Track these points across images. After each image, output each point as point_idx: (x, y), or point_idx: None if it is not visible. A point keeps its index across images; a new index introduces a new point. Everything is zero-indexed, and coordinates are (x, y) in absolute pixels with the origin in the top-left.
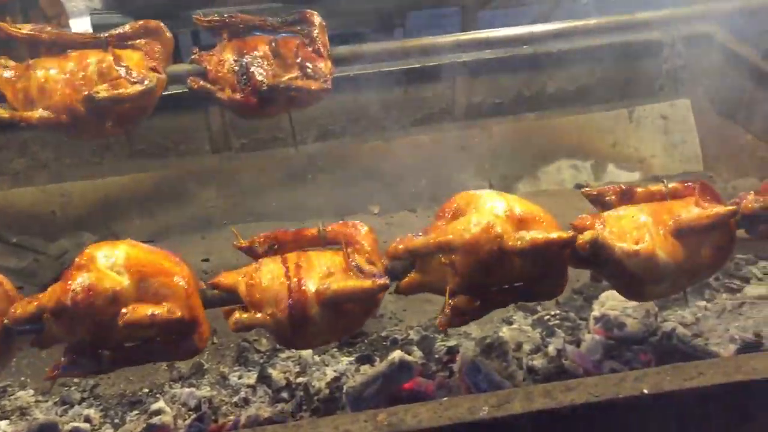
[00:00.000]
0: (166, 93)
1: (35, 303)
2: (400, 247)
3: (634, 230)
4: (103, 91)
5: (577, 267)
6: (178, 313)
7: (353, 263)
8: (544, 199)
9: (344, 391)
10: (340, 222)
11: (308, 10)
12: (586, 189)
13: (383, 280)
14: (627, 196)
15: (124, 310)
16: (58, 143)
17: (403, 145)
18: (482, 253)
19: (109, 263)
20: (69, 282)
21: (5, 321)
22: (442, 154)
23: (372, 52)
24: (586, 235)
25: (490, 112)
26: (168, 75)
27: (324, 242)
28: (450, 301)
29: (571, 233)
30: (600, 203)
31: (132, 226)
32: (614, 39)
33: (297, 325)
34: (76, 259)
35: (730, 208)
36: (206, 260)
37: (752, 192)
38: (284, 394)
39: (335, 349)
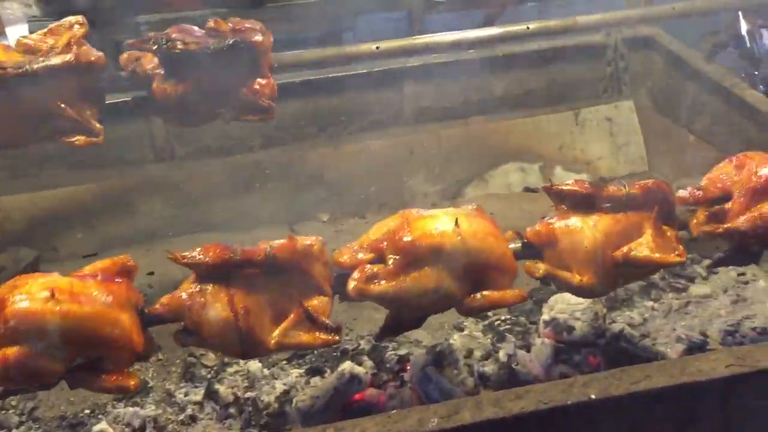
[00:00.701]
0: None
1: None
2: (354, 289)
3: (583, 258)
4: None
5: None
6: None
7: (304, 313)
8: (492, 203)
9: (294, 405)
10: (289, 239)
11: (251, 30)
12: (547, 185)
13: (333, 338)
14: (587, 203)
15: None
16: None
17: (352, 151)
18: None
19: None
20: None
21: None
22: (391, 160)
23: (316, 58)
24: (538, 271)
25: (438, 116)
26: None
27: (272, 266)
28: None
29: (524, 293)
30: (558, 201)
31: (73, 240)
32: (558, 42)
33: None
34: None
35: (678, 259)
36: (151, 273)
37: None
38: (232, 410)
39: (284, 362)
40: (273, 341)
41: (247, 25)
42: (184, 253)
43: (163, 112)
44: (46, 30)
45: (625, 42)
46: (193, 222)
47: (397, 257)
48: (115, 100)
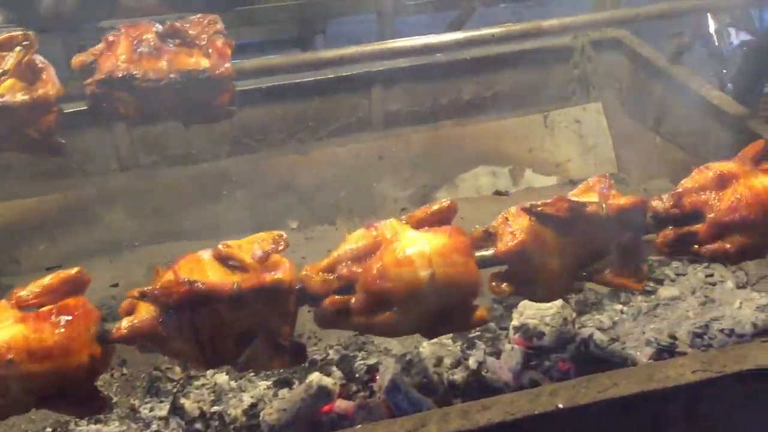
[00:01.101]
0: (66, 111)
1: None
2: (319, 319)
3: (548, 279)
4: None
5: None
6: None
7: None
8: (463, 206)
9: (261, 418)
10: (253, 273)
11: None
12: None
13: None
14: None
15: None
16: None
17: (320, 157)
18: None
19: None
20: None
21: None
22: (360, 165)
23: (279, 65)
24: (503, 293)
25: (407, 121)
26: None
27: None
28: None
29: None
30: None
31: (35, 252)
32: (526, 45)
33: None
34: None
35: (635, 286)
36: (115, 285)
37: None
38: (198, 425)
39: (252, 374)
40: (238, 366)
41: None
42: (145, 289)
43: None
44: None
45: (592, 44)
46: (158, 232)
47: (367, 297)
48: (76, 109)
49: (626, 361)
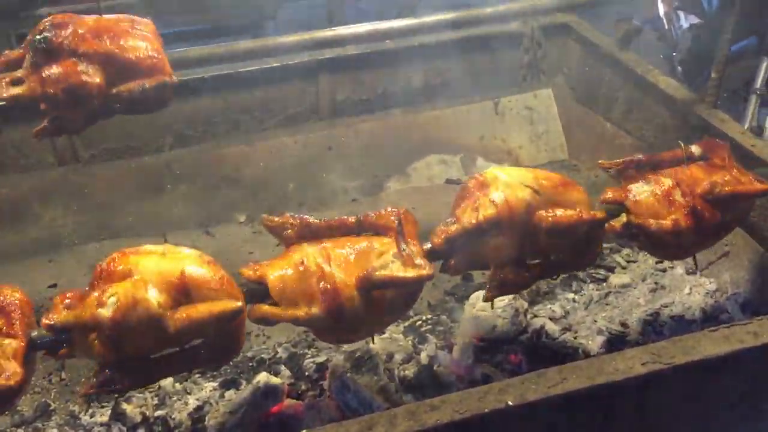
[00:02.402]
0: None
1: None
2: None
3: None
4: None
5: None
6: None
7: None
8: (415, 196)
9: (207, 422)
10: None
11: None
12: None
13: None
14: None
15: None
16: None
17: (267, 148)
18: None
19: None
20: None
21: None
22: (309, 156)
23: (223, 54)
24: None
25: (356, 109)
26: None
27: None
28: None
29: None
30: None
31: None
32: (475, 31)
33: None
34: None
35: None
36: (53, 286)
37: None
38: (141, 431)
39: (197, 375)
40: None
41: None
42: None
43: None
44: None
45: (542, 30)
46: (100, 228)
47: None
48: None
49: (578, 351)
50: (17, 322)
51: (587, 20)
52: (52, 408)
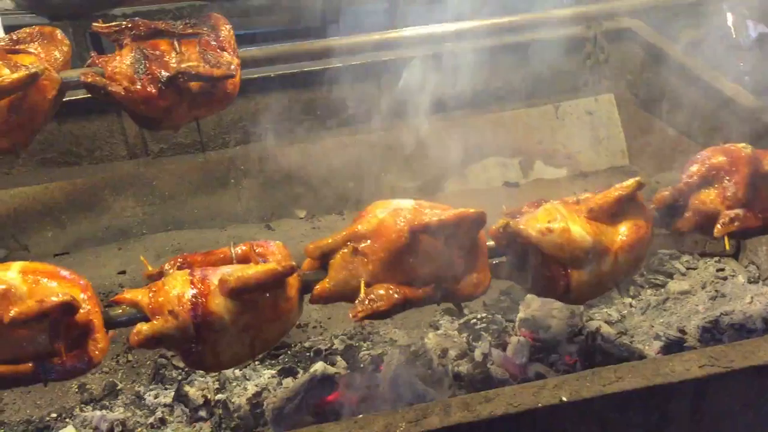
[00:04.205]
0: (74, 98)
1: None
2: (311, 246)
3: (546, 215)
4: None
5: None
6: (68, 297)
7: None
8: (472, 198)
9: (265, 407)
10: (249, 242)
11: (214, 14)
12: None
13: (287, 264)
14: None
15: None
16: None
17: (328, 147)
18: (392, 234)
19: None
20: None
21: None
22: (369, 155)
23: (287, 53)
24: (499, 222)
25: (417, 111)
26: (62, 79)
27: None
28: (365, 293)
29: (474, 209)
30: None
31: (43, 239)
32: (538, 35)
33: (203, 327)
34: None
35: (633, 181)
36: (123, 273)
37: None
38: (202, 413)
39: (257, 362)
40: (221, 278)
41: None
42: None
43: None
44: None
45: (606, 35)
46: (166, 219)
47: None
48: (86, 96)
49: (634, 355)
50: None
51: (652, 25)
52: (119, 388)
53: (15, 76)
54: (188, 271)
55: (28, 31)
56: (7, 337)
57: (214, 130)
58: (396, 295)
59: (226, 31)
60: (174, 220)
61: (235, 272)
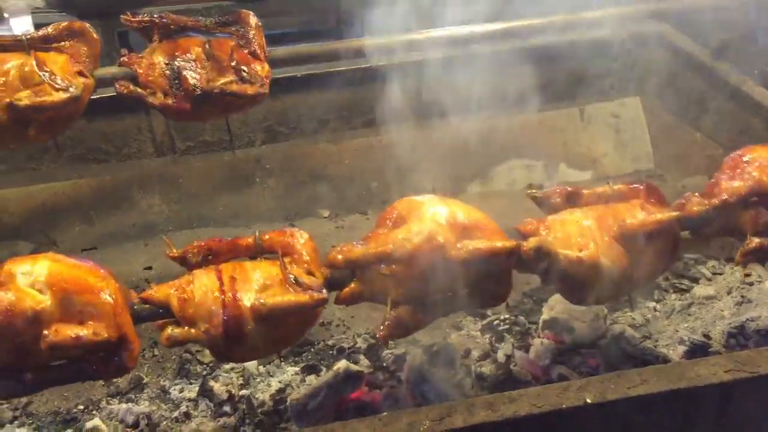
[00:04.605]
0: (103, 95)
1: None
2: (339, 257)
3: (578, 236)
4: (25, 98)
5: (521, 272)
6: (104, 335)
7: (290, 275)
8: (496, 200)
9: (288, 403)
10: (278, 230)
11: (243, 11)
12: (532, 192)
13: (321, 295)
14: (573, 199)
15: (46, 332)
16: None
17: (353, 147)
18: (424, 264)
19: (29, 281)
20: None
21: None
22: (393, 155)
23: (313, 52)
24: (531, 242)
25: (441, 112)
26: (96, 78)
27: (260, 251)
28: (392, 312)
29: (514, 242)
30: (546, 206)
31: (71, 234)
32: (565, 37)
33: (232, 341)
34: None
35: (673, 214)
36: (149, 268)
37: (697, 193)
38: (227, 408)
39: (281, 359)
40: (255, 302)
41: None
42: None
43: (149, 95)
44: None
45: (633, 38)
46: (192, 217)
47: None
48: (114, 93)
49: (658, 359)
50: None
51: (680, 29)
52: (144, 381)
53: (55, 99)
54: (219, 285)
55: (58, 26)
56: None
57: (240, 129)
58: (420, 319)
59: (255, 30)
60: (199, 218)
61: (267, 300)
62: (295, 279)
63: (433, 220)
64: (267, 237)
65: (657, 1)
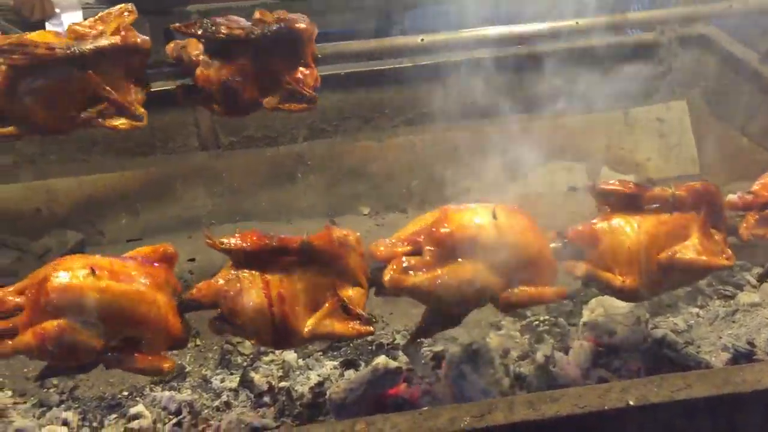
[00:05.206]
0: (152, 90)
1: None
2: (391, 283)
3: (626, 261)
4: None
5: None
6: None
7: (340, 302)
8: (536, 201)
9: (327, 396)
10: (326, 229)
11: (294, 18)
12: (594, 185)
13: (367, 329)
14: (634, 202)
15: None
16: (44, 139)
17: (395, 145)
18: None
19: (81, 319)
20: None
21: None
22: (434, 155)
23: (360, 49)
24: (579, 270)
25: (483, 112)
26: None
27: (307, 257)
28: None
29: (563, 291)
30: (603, 201)
31: (117, 225)
32: (609, 39)
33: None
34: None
35: (726, 263)
36: (192, 260)
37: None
38: (266, 399)
39: (320, 353)
40: (306, 329)
41: (291, 16)
42: (222, 239)
43: (206, 101)
44: (96, 17)
45: (679, 40)
46: (234, 211)
47: (434, 249)
48: (163, 88)
49: (700, 366)
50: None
51: (728, 31)
52: (187, 370)
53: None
54: (267, 304)
55: (112, 41)
56: None
57: (283, 126)
58: None
59: (306, 39)
60: (241, 212)
61: (317, 328)
62: (344, 306)
63: (485, 261)
64: (315, 239)
65: (704, 4)
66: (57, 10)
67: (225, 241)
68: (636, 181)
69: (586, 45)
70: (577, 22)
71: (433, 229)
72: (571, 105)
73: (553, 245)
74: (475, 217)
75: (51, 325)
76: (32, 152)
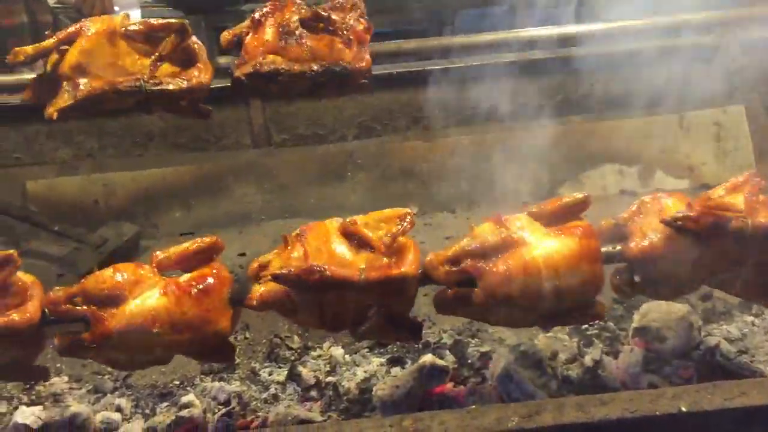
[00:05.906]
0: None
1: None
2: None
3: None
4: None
5: None
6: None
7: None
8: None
9: (374, 392)
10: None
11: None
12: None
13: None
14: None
15: None
16: (102, 133)
17: (444, 145)
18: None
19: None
20: None
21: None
22: (484, 156)
23: (413, 48)
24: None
25: (534, 114)
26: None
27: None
28: None
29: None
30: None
31: (171, 218)
32: (665, 41)
33: None
34: None
35: None
36: (243, 255)
37: None
38: (313, 393)
39: (366, 350)
40: (357, 335)
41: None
42: (279, 272)
43: (259, 91)
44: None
45: (739, 43)
46: (284, 207)
47: (488, 296)
48: (217, 86)
49: (754, 375)
50: None
51: None
52: (236, 363)
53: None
54: None
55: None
56: None
57: (334, 124)
58: None
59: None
60: (291, 209)
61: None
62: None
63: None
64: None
65: (765, 5)
66: (116, 8)
67: (282, 273)
68: (690, 186)
69: (640, 46)
70: (634, 23)
71: (493, 275)
72: (626, 108)
73: (605, 250)
74: (531, 269)
75: None
76: (91, 146)
